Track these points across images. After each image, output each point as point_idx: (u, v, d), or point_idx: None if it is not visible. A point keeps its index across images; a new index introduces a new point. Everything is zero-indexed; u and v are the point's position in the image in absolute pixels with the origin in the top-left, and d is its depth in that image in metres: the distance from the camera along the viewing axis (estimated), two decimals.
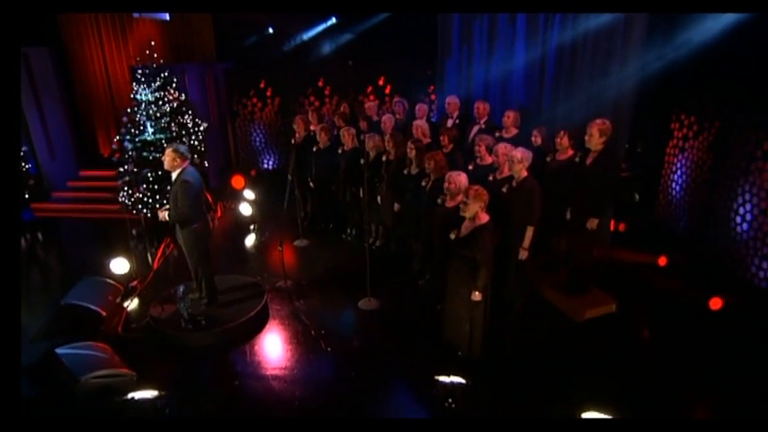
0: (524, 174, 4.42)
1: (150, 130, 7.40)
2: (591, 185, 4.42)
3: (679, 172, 5.97)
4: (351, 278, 5.97)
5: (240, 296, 5.41)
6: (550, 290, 5.14)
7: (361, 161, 6.35)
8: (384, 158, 6.07)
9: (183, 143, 4.61)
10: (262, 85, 9.26)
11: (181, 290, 5.13)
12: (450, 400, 3.61)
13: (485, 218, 4.02)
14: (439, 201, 4.79)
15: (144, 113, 7.37)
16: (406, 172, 5.65)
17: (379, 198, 6.20)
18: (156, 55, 7.55)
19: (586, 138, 4.41)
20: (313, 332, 4.97)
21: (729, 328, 4.58)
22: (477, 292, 4.01)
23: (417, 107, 7.08)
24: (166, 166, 4.69)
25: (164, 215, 4.78)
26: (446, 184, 4.58)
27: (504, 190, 4.45)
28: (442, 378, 3.63)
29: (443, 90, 8.12)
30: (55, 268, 7.16)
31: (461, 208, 4.03)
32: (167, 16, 7.82)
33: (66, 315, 5.22)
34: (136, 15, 7.16)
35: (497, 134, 5.83)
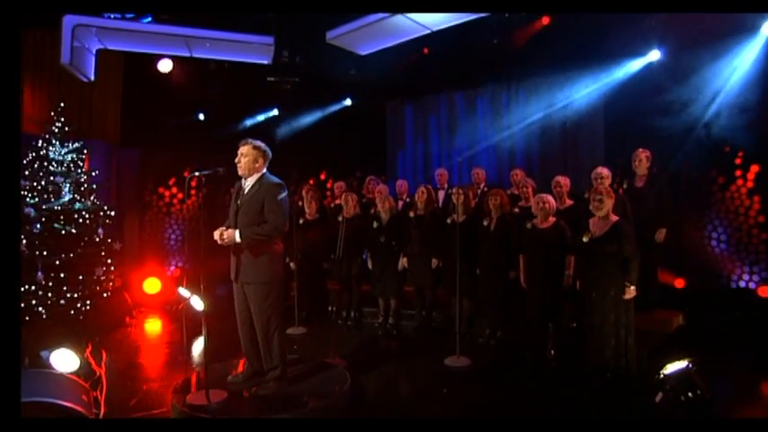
0: None
1: (69, 195, 5.39)
2: (650, 203, 4.92)
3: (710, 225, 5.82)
4: (408, 346, 5.18)
5: (302, 372, 3.94)
6: None
7: (374, 224, 5.79)
8: (412, 214, 5.65)
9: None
10: (186, 174, 7.85)
11: None
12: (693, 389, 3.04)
13: (614, 216, 4.08)
14: (528, 226, 4.62)
15: (60, 175, 5.41)
16: (449, 221, 5.33)
17: (404, 260, 5.57)
18: (63, 118, 5.90)
19: (635, 164, 5.03)
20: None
21: None
22: (632, 287, 3.89)
23: (399, 183, 7.02)
24: (243, 169, 3.55)
25: (231, 234, 3.41)
26: (540, 205, 4.51)
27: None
28: (671, 369, 3.09)
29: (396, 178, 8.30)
30: None
31: (595, 206, 4.04)
32: (92, 76, 6.33)
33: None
34: (64, 61, 5.60)
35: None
